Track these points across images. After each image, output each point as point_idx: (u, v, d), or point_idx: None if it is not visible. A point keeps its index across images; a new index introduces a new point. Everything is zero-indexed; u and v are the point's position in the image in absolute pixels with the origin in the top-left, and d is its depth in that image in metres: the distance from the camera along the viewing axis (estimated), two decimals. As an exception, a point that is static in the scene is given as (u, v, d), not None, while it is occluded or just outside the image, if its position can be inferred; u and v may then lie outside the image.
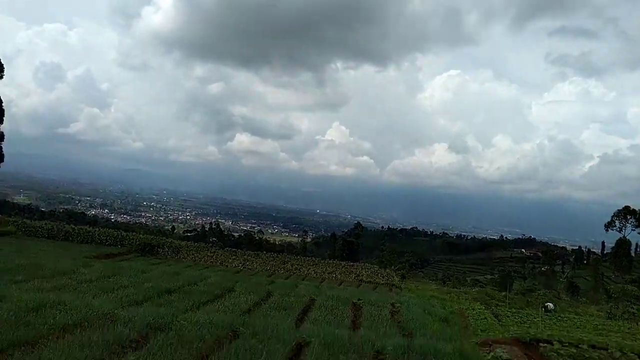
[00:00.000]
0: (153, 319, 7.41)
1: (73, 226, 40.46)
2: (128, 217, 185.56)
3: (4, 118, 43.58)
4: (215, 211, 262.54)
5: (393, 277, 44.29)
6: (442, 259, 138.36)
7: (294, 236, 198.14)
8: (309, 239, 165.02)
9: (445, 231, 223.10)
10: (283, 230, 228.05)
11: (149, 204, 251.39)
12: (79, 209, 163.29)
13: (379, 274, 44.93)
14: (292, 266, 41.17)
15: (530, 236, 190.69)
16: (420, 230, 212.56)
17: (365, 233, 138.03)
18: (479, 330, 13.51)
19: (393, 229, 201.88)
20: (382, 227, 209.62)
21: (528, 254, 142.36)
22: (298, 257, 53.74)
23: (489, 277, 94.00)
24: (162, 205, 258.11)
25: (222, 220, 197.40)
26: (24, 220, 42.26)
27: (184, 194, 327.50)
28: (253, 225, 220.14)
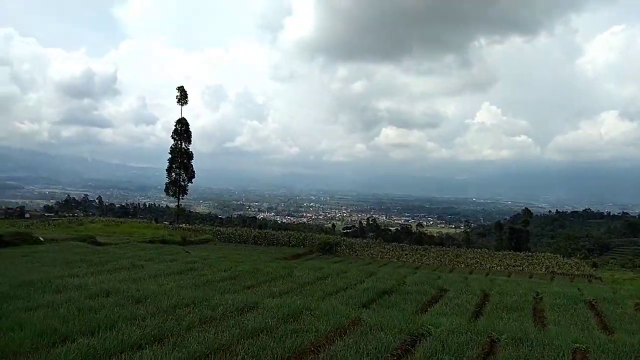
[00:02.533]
0: (407, 325, 7.20)
1: (259, 230, 44.57)
2: (292, 218, 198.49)
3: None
4: (369, 207, 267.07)
5: (583, 266, 39.47)
6: (625, 243, 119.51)
7: (451, 227, 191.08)
8: (465, 229, 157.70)
9: (625, 211, 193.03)
10: (438, 221, 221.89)
11: (308, 204, 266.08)
12: (250, 214, 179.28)
13: (567, 265, 40.46)
14: (469, 260, 39.28)
15: None
16: (595, 211, 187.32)
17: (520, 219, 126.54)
18: None
19: (562, 212, 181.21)
20: (550, 211, 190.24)
21: None
22: (466, 249, 51.26)
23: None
24: (320, 204, 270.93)
25: (376, 215, 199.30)
26: (218, 228, 47.74)
27: (339, 192, 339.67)
28: (407, 219, 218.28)
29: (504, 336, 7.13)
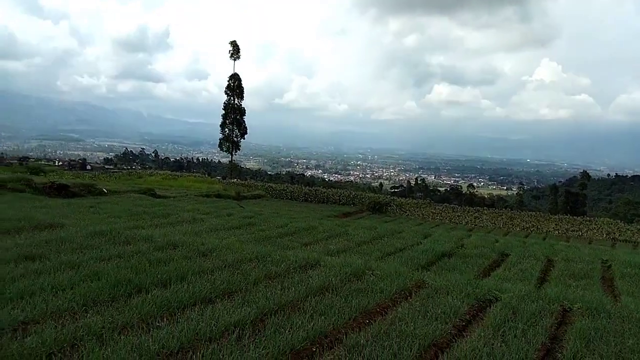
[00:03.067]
0: (473, 290, 7.00)
1: (309, 188, 44.94)
2: (339, 176, 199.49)
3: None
4: (417, 166, 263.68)
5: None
6: None
7: (502, 189, 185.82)
8: (519, 191, 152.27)
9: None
10: (489, 183, 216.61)
11: (355, 162, 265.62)
12: (298, 171, 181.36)
13: (629, 231, 38.39)
14: (525, 223, 38.05)
15: None
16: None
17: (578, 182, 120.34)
18: None
19: (622, 176, 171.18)
20: (608, 174, 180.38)
21: None
22: (520, 212, 49.60)
23: None
24: (368, 163, 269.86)
25: (425, 175, 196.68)
26: (269, 184, 48.57)
27: (387, 151, 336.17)
28: (457, 179, 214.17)
29: (576, 305, 6.78)
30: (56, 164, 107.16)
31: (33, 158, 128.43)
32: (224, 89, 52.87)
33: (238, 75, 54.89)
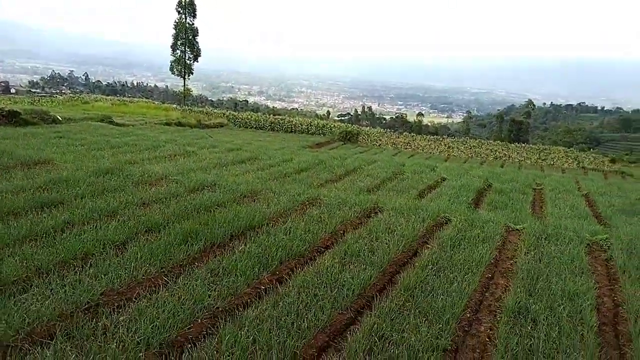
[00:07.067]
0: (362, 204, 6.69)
1: (277, 117, 43.11)
2: (283, 103, 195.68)
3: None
4: (361, 94, 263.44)
5: (603, 162, 39.54)
6: (616, 138, 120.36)
7: (442, 117, 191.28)
8: (458, 119, 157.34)
9: (619, 106, 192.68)
10: (431, 111, 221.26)
11: (300, 89, 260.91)
12: (240, 98, 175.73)
13: (587, 159, 40.12)
14: (498, 153, 38.30)
15: None
16: (589, 105, 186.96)
17: (520, 110, 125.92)
18: None
19: (557, 105, 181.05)
20: (544, 103, 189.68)
21: None
22: (470, 139, 50.37)
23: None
24: (312, 90, 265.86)
25: (370, 104, 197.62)
26: (232, 112, 46.13)
27: (331, 78, 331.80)
28: (399, 107, 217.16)
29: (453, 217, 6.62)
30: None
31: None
32: (175, 6, 47.90)
33: (190, -9, 49.30)
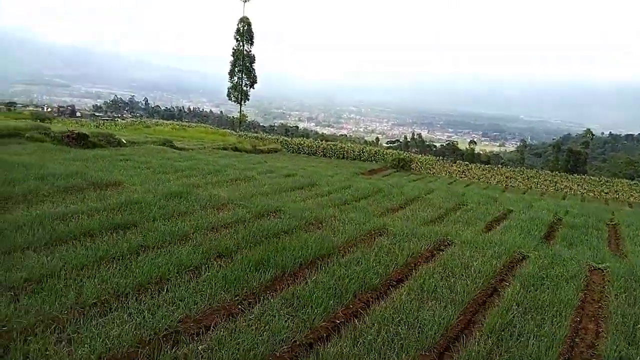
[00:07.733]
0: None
1: (328, 142, 43.53)
2: (332, 129, 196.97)
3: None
4: (410, 120, 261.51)
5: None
6: None
7: (495, 145, 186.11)
8: (511, 148, 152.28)
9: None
10: (483, 139, 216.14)
11: (348, 115, 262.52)
12: (291, 124, 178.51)
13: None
14: (551, 183, 36.70)
15: None
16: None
17: (577, 140, 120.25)
18: None
19: (616, 135, 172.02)
20: (602, 133, 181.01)
21: None
22: (527, 169, 48.44)
23: None
24: (361, 116, 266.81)
25: (419, 130, 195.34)
26: (285, 138, 46.97)
27: (378, 104, 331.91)
28: (450, 135, 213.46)
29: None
30: (45, 109, 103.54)
31: (20, 103, 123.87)
32: (234, 34, 49.83)
33: (248, 19, 51.36)
